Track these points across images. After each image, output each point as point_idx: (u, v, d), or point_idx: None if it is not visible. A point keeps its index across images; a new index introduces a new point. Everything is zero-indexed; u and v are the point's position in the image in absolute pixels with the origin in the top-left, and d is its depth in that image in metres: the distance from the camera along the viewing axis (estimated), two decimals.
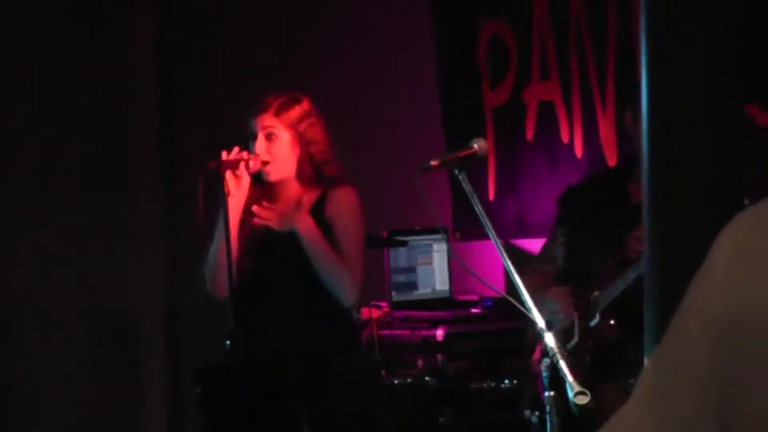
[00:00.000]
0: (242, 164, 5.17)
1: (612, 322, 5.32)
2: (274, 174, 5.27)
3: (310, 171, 5.28)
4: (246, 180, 5.19)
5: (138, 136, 7.74)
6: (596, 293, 5.33)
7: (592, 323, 5.30)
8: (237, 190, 5.19)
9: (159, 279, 7.69)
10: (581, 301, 5.34)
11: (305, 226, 5.17)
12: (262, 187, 5.32)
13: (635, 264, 5.11)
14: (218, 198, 5.14)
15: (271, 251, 5.27)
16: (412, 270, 6.82)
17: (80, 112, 7.48)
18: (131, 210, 7.69)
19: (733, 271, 1.67)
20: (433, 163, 4.97)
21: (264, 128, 5.25)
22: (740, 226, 1.72)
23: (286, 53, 7.35)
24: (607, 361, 5.23)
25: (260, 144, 5.24)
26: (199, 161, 5.26)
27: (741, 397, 1.64)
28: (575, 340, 5.39)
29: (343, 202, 5.27)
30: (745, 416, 1.63)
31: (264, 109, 5.28)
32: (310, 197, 5.29)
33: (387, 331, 6.58)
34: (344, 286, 5.20)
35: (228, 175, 5.14)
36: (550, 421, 4.46)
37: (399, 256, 6.77)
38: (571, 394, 4.37)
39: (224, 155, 5.16)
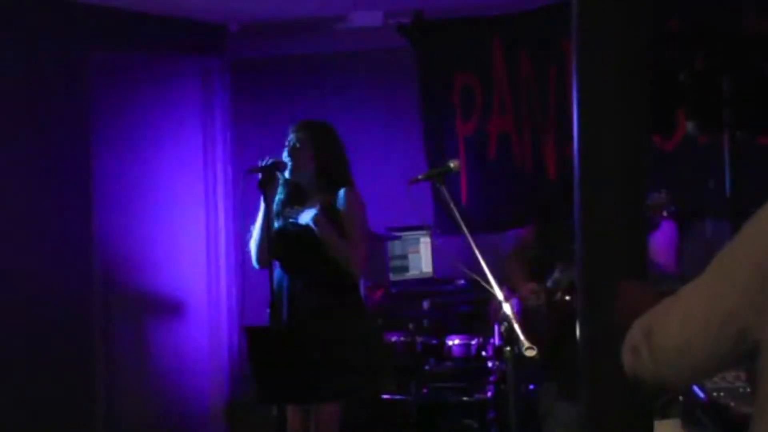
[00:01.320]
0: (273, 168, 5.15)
1: (568, 297, 5.18)
2: (294, 173, 5.25)
3: (328, 177, 5.24)
4: (276, 179, 5.18)
5: (207, 160, 7.69)
6: (557, 272, 5.19)
7: (556, 298, 5.17)
8: (271, 188, 5.16)
9: (222, 264, 7.64)
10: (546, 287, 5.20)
11: (319, 222, 5.13)
12: (294, 189, 5.30)
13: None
14: (263, 196, 5.12)
15: (295, 240, 5.24)
16: (404, 257, 6.77)
17: (168, 145, 7.47)
18: (202, 212, 7.64)
19: None
20: (420, 177, 4.91)
21: (295, 138, 5.25)
22: None
23: (317, 98, 7.32)
24: (565, 326, 5.09)
25: (289, 149, 5.23)
26: (253, 178, 5.23)
27: (762, 310, 1.77)
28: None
29: (350, 201, 5.24)
30: (763, 324, 1.78)
31: (298, 125, 5.27)
32: (327, 197, 5.26)
33: (386, 302, 6.54)
34: (350, 263, 5.17)
35: (264, 176, 5.11)
36: (507, 369, 4.39)
37: (395, 247, 6.73)
38: (522, 349, 4.30)
39: (260, 163, 5.14)
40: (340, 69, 7.41)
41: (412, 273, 6.79)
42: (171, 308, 7.47)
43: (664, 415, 4.28)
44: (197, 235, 7.60)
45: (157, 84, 7.46)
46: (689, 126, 5.07)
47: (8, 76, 6.44)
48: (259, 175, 5.11)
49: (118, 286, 7.16)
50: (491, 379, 5.86)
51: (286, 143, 5.29)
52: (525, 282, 5.20)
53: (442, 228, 7.02)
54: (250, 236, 5.30)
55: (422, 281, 6.73)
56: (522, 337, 4.29)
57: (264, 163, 5.12)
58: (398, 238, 6.63)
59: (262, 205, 5.16)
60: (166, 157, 7.47)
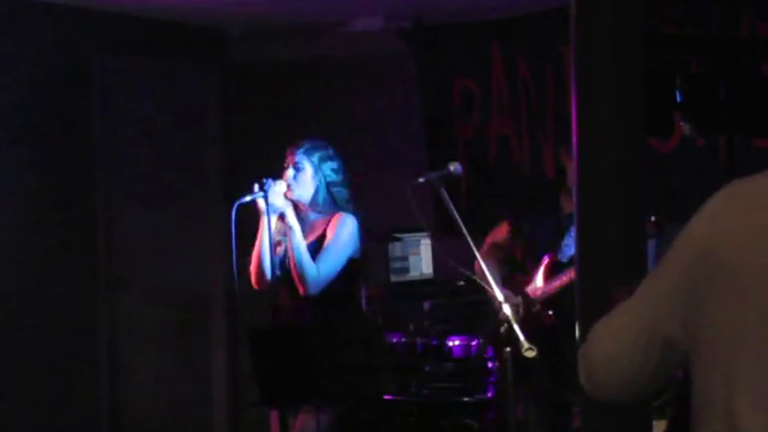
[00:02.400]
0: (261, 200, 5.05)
1: (549, 312, 5.15)
2: (294, 195, 5.16)
3: (327, 200, 5.18)
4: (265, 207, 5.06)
5: (209, 165, 7.72)
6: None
7: (534, 309, 5.15)
8: (263, 215, 5.08)
9: (223, 265, 7.64)
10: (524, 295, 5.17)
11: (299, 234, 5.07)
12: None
13: (566, 268, 4.96)
14: (262, 221, 5.07)
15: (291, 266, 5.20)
16: (405, 259, 6.77)
17: (170, 147, 7.49)
18: (204, 217, 7.65)
19: (712, 214, 1.74)
20: (421, 180, 4.90)
21: (294, 162, 5.17)
22: (728, 188, 1.76)
23: (320, 103, 7.33)
24: (543, 339, 5.05)
25: (289, 172, 5.15)
26: (251, 182, 5.20)
27: (699, 303, 1.70)
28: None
29: (339, 227, 5.12)
30: (700, 317, 1.70)
31: (297, 147, 5.20)
32: (323, 224, 5.18)
33: (387, 303, 6.54)
34: (305, 281, 5.05)
35: (260, 204, 5.05)
36: (507, 369, 4.38)
37: (396, 249, 6.73)
38: (522, 350, 4.29)
39: (248, 198, 5.08)
40: (340, 73, 7.42)
41: (413, 274, 6.79)
42: (174, 310, 7.48)
43: (663, 415, 4.29)
44: (200, 236, 7.60)
45: (159, 88, 7.47)
46: (686, 128, 5.07)
47: (13, 80, 6.46)
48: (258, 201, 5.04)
49: (122, 286, 7.17)
50: (491, 379, 5.85)
51: (288, 160, 5.19)
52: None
53: (442, 230, 7.02)
54: (250, 260, 5.22)
55: (423, 282, 6.73)
56: (522, 339, 4.29)
57: (252, 197, 5.05)
58: (399, 239, 6.64)
59: (263, 229, 5.10)
60: (168, 160, 7.48)
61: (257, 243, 5.14)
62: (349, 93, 7.34)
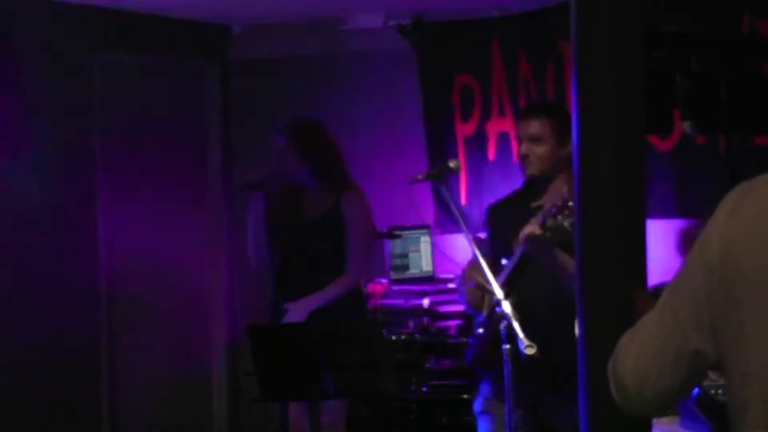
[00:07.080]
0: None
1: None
2: (290, 176, 5.25)
3: (324, 174, 5.23)
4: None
5: (209, 160, 7.71)
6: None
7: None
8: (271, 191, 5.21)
9: (223, 262, 7.64)
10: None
11: (315, 305, 5.16)
12: (290, 189, 5.30)
13: (519, 245, 4.87)
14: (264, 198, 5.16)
15: (293, 245, 5.23)
16: (405, 256, 6.78)
17: (169, 145, 7.48)
18: (204, 212, 7.65)
19: (725, 226, 1.72)
20: (421, 177, 4.89)
21: (284, 143, 5.25)
22: (738, 192, 1.72)
23: (319, 99, 7.31)
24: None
25: (275, 153, 5.27)
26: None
27: (724, 314, 1.71)
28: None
29: (354, 206, 5.21)
30: (728, 327, 1.70)
31: (280, 127, 5.30)
32: (329, 201, 5.23)
33: (387, 300, 6.54)
34: (350, 289, 5.20)
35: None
36: (506, 366, 4.37)
37: (396, 245, 6.73)
38: (522, 347, 4.28)
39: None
40: (341, 70, 7.42)
41: (413, 272, 6.79)
42: (174, 308, 7.47)
43: (663, 413, 4.28)
44: (199, 234, 7.59)
45: (160, 85, 7.46)
46: (686, 126, 5.06)
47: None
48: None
49: (122, 287, 7.16)
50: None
51: (279, 143, 5.28)
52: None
53: (442, 227, 7.02)
54: (248, 238, 5.27)
55: (423, 279, 6.73)
56: (522, 335, 4.28)
57: (257, 181, 5.14)
58: (399, 236, 6.64)
59: (260, 208, 5.16)
60: (168, 156, 7.46)
61: (254, 221, 5.21)
62: (350, 90, 7.33)
